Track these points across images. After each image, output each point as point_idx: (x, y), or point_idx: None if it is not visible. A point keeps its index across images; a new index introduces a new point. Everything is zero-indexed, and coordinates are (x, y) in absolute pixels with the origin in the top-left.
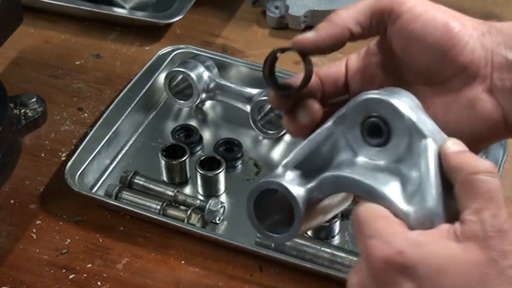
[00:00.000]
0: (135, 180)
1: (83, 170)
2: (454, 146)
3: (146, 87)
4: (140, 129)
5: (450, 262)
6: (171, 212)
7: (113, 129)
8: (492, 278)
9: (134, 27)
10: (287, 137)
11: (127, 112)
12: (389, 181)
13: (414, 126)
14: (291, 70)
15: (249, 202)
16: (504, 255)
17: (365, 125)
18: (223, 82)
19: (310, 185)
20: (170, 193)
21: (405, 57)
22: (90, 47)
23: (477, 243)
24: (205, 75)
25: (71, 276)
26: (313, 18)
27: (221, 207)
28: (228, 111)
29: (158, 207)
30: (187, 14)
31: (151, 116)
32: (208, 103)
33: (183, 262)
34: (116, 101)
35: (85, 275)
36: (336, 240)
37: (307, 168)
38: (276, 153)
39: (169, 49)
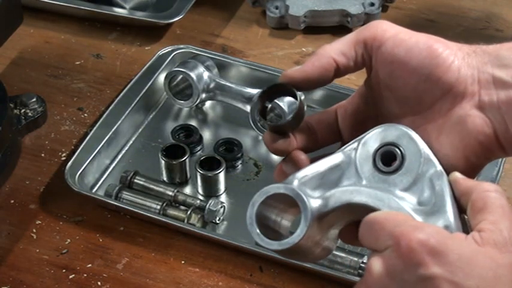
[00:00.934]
0: (135, 180)
1: (83, 170)
2: (461, 174)
3: (146, 87)
4: (140, 129)
5: (479, 257)
6: (171, 212)
7: (113, 129)
8: None
9: (134, 27)
10: None
11: (127, 112)
12: (397, 203)
13: (427, 155)
14: None
15: (252, 207)
16: None
17: (379, 153)
18: (223, 82)
19: (316, 198)
20: (170, 193)
21: (392, 84)
22: (90, 47)
23: (497, 248)
24: (205, 75)
25: (71, 276)
26: (313, 18)
27: (221, 207)
28: (228, 111)
29: (158, 207)
30: (187, 14)
31: (151, 116)
32: (208, 103)
33: (183, 262)
34: (116, 101)
35: (85, 275)
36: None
37: (313, 184)
38: None
39: (169, 49)
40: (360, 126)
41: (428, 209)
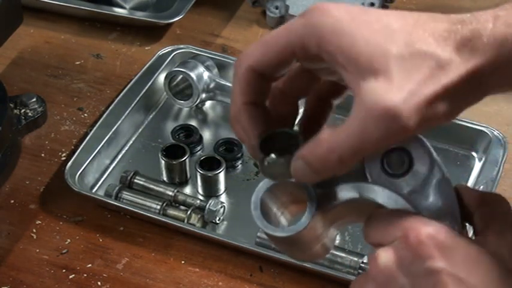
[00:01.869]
0: (135, 180)
1: (83, 170)
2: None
3: (146, 87)
4: (140, 129)
5: (485, 257)
6: (171, 212)
7: (113, 129)
8: None
9: (134, 27)
10: None
11: (127, 112)
12: (405, 203)
13: (435, 161)
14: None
15: (258, 193)
16: None
17: (387, 156)
18: (223, 82)
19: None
20: (170, 193)
21: None
22: (90, 47)
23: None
24: (205, 75)
25: (71, 276)
26: None
27: (221, 207)
28: (228, 111)
29: (158, 207)
30: (187, 14)
31: (151, 116)
32: (208, 103)
33: (183, 262)
34: (116, 101)
35: (85, 275)
36: (336, 240)
37: (323, 184)
38: None
39: (169, 49)
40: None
41: (434, 211)
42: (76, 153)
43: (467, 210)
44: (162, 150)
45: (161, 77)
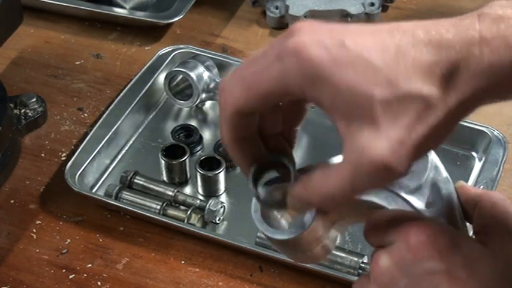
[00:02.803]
0: (135, 180)
1: (83, 170)
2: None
3: (146, 87)
4: (140, 129)
5: (487, 257)
6: (171, 212)
7: (113, 129)
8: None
9: (134, 27)
10: None
11: (127, 112)
12: (405, 204)
13: (434, 163)
14: None
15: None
16: None
17: None
18: None
19: None
20: (170, 193)
21: None
22: (90, 47)
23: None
24: (205, 75)
25: (71, 276)
26: (313, 18)
27: (221, 207)
28: None
29: (158, 207)
30: (187, 14)
31: (151, 116)
32: (208, 103)
33: (183, 262)
34: (116, 101)
35: (85, 275)
36: (337, 241)
37: None
38: None
39: (169, 49)
40: None
41: (434, 211)
42: (76, 153)
43: (467, 209)
44: (162, 150)
45: (161, 77)
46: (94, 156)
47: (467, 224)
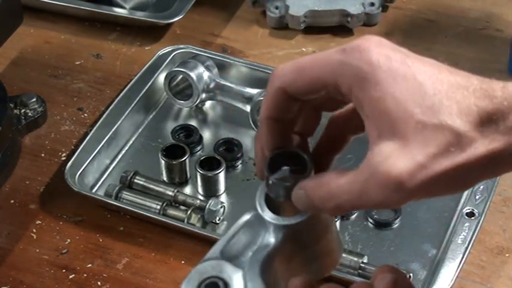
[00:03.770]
0: (135, 180)
1: (83, 170)
2: None
3: (146, 87)
4: (140, 129)
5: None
6: (171, 212)
7: (113, 129)
8: None
9: (134, 27)
10: None
11: (127, 112)
12: None
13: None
14: None
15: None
16: None
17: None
18: (223, 82)
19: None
20: (170, 193)
21: None
22: (90, 47)
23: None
24: (205, 75)
25: (71, 276)
26: (313, 18)
27: (221, 207)
28: (228, 111)
29: (158, 207)
30: (187, 14)
31: (151, 116)
32: (208, 103)
33: (183, 262)
34: (116, 101)
35: (85, 275)
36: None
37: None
38: None
39: (169, 49)
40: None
41: None
42: (76, 153)
43: None
44: (162, 150)
45: (161, 77)
46: (94, 156)
47: None
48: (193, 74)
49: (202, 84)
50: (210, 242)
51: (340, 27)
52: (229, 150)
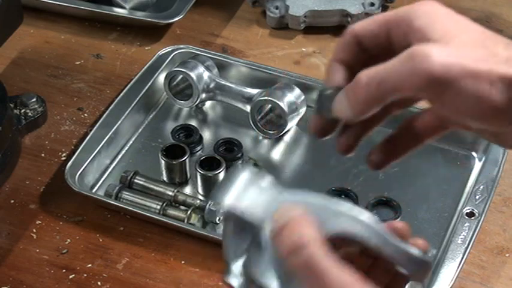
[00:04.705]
0: (135, 180)
1: (83, 170)
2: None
3: (146, 87)
4: (140, 129)
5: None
6: (171, 212)
7: (113, 129)
8: None
9: (134, 27)
10: (287, 137)
11: (127, 112)
12: None
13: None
14: (291, 70)
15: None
16: None
17: None
18: (223, 82)
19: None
20: (170, 193)
21: None
22: (90, 47)
23: None
24: (205, 75)
25: (71, 276)
26: (313, 18)
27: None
28: (228, 111)
29: (158, 207)
30: (187, 14)
31: (151, 116)
32: (208, 103)
33: (183, 262)
34: (116, 101)
35: (85, 275)
36: None
37: None
38: (276, 153)
39: (169, 49)
40: None
41: None
42: (76, 153)
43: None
44: (162, 150)
45: (161, 77)
46: (94, 156)
47: None
48: (193, 74)
49: (202, 84)
50: (210, 242)
51: (340, 27)
52: (229, 150)
